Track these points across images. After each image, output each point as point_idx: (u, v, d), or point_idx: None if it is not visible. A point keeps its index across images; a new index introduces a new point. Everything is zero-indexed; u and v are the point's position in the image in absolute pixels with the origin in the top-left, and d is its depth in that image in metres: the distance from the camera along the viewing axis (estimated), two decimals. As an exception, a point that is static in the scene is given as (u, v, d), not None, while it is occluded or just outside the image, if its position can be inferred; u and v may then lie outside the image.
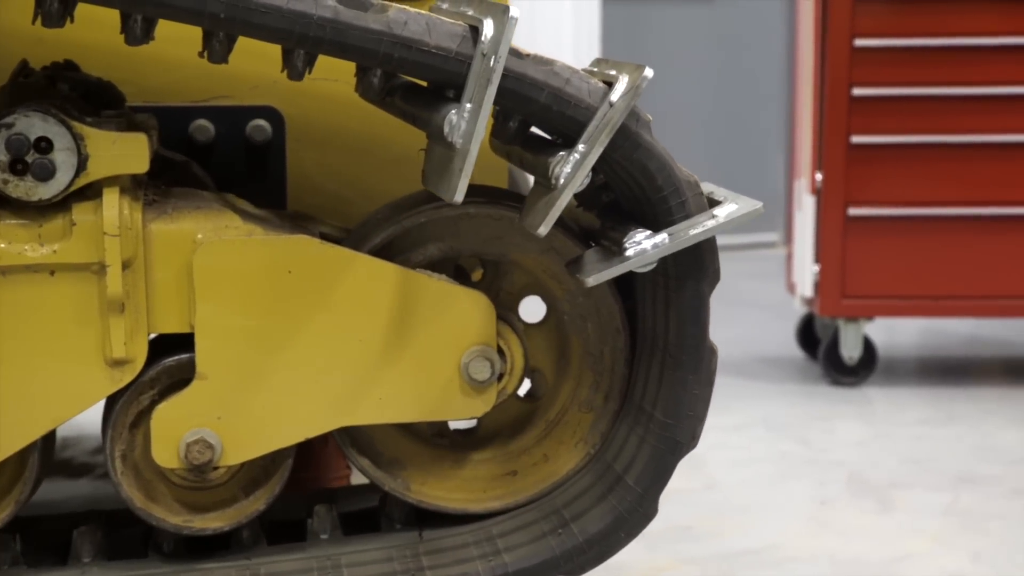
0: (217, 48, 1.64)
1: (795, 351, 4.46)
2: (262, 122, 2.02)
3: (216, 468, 1.76)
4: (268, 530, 1.86)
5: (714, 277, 1.73)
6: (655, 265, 1.67)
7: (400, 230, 1.78)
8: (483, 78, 1.56)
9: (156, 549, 1.82)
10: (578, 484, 1.85)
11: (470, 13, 1.63)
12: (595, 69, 1.68)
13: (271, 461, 1.80)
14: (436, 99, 1.63)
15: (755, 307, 5.17)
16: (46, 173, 1.67)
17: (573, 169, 1.60)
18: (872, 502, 2.93)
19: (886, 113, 3.94)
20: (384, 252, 1.79)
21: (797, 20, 4.30)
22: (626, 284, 1.83)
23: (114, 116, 1.73)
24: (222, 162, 2.01)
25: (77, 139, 1.67)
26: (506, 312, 1.82)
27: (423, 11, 1.61)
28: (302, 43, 1.59)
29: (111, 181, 1.69)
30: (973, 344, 4.78)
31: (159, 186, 1.77)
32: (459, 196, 1.57)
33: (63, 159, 1.67)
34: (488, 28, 1.57)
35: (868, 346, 4.08)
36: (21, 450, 1.74)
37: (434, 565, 1.78)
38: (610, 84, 1.62)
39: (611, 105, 1.60)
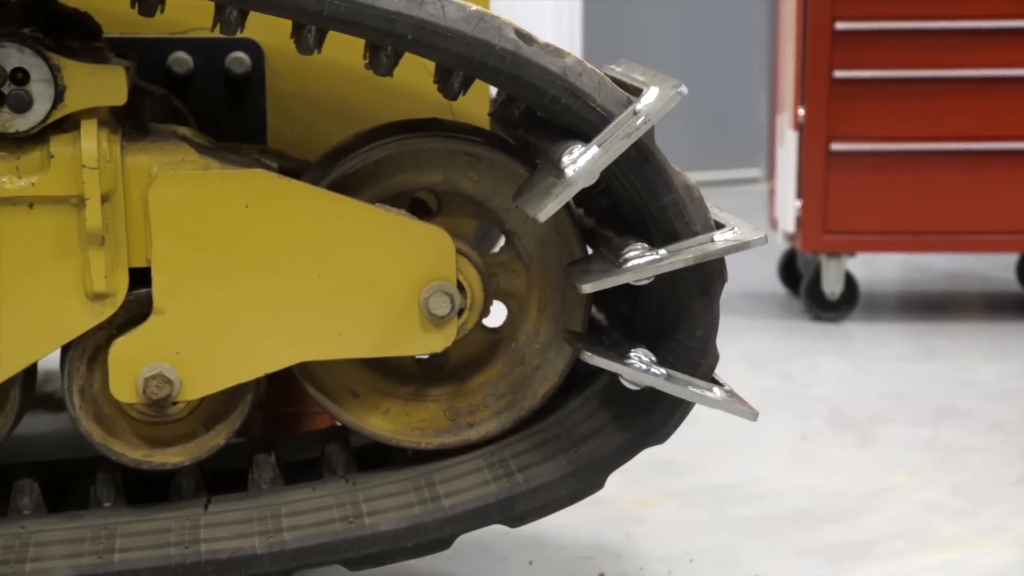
0: (384, 62, 1.66)
1: (777, 286, 4.48)
2: (241, 54, 2.00)
3: (175, 403, 1.76)
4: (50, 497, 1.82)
5: (663, 438, 1.79)
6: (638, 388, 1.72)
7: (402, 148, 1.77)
8: (624, 131, 1.59)
9: None
10: (391, 484, 1.82)
11: (640, 79, 1.67)
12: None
13: (231, 396, 1.79)
14: (559, 133, 1.66)
15: (737, 243, 5.17)
16: (23, 105, 1.64)
17: (647, 263, 1.65)
18: (853, 436, 2.94)
19: (869, 47, 3.93)
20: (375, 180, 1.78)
21: (781, -46, 4.27)
22: (592, 373, 1.83)
23: (91, 47, 1.70)
24: (201, 95, 1.99)
25: (54, 70, 1.65)
26: (466, 247, 1.80)
27: (598, 69, 1.65)
28: (479, 71, 1.62)
29: (89, 113, 1.67)
30: (954, 279, 4.79)
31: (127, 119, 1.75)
32: (543, 216, 1.61)
33: (40, 90, 1.65)
34: (653, 92, 1.61)
35: (850, 281, 4.09)
36: (2, 384, 1.73)
37: (210, 538, 1.76)
38: (721, 226, 1.69)
39: (712, 241, 1.66)
